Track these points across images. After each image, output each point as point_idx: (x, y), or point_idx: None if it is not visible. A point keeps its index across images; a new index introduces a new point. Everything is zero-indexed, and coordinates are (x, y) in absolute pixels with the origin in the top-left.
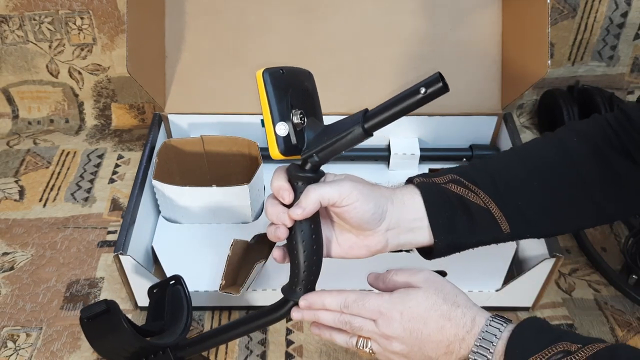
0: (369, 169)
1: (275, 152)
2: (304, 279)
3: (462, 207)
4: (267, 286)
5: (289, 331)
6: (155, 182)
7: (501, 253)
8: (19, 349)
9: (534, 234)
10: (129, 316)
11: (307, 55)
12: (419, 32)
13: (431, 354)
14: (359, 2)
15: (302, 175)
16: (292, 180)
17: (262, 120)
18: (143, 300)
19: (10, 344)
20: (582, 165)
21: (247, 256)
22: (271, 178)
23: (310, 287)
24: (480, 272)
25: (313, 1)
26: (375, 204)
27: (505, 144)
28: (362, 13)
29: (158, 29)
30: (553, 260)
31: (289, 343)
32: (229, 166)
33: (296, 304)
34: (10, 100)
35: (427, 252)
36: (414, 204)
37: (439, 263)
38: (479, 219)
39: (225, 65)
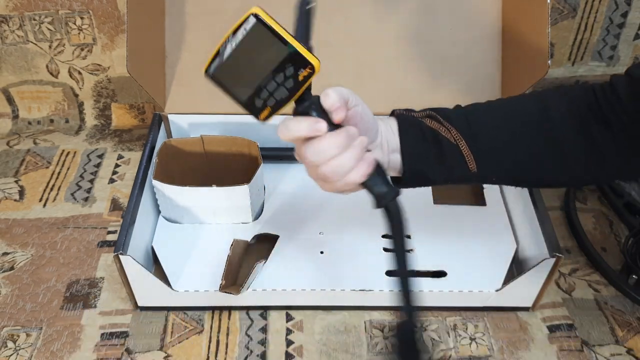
0: None
1: (318, 63)
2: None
3: (434, 142)
4: (267, 286)
5: (289, 331)
6: (155, 182)
7: (501, 253)
8: (19, 349)
9: (501, 181)
10: (129, 316)
11: None
12: (418, 32)
13: None
14: (359, 2)
15: (312, 102)
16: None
17: (285, 44)
18: (143, 300)
19: (10, 344)
20: (568, 141)
21: (247, 256)
22: (293, 129)
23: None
24: (480, 272)
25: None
26: (371, 115)
27: None
28: (362, 13)
29: (158, 28)
30: (553, 260)
31: (289, 343)
32: (229, 166)
33: (397, 193)
34: (10, 100)
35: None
36: (394, 131)
37: (439, 263)
38: (448, 154)
39: None
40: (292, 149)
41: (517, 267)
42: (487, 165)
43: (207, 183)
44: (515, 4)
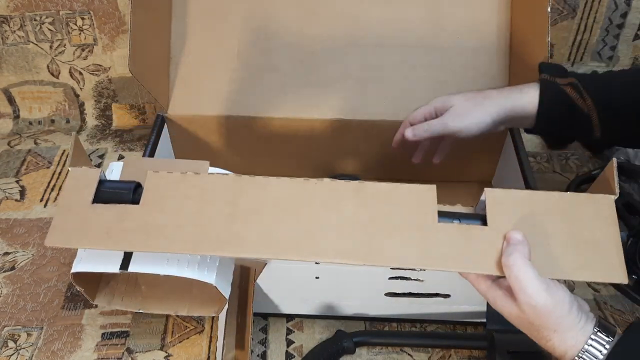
0: None
1: None
2: None
3: (569, 109)
4: (264, 299)
5: (289, 331)
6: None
7: None
8: (20, 349)
9: (621, 144)
10: (130, 316)
11: (311, 59)
12: (424, 39)
13: None
14: (365, 7)
15: None
16: None
17: None
18: None
19: (11, 344)
20: None
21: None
22: None
23: None
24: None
25: (318, 5)
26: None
27: (508, 146)
28: (368, 19)
29: (164, 31)
30: None
31: (289, 343)
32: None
33: None
34: (11, 100)
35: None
36: (532, 100)
37: (443, 286)
38: (578, 122)
39: (229, 68)
40: None
41: None
42: (611, 135)
43: None
44: (522, 12)
